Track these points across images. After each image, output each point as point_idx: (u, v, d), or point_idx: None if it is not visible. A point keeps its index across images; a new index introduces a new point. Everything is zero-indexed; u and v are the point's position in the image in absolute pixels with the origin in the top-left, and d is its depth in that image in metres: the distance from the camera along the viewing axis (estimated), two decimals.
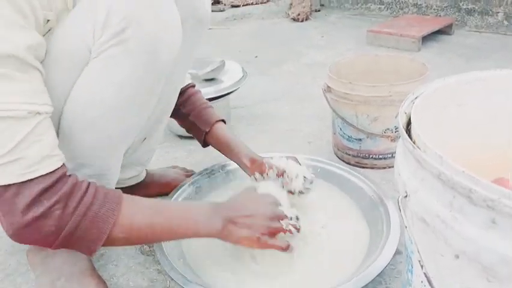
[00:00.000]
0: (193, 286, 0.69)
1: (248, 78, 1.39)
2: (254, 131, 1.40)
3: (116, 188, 0.67)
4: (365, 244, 0.82)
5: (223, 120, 0.98)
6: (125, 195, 0.63)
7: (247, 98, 1.64)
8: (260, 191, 0.79)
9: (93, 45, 0.60)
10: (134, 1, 0.60)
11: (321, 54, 2.19)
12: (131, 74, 0.63)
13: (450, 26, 2.31)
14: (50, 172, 0.56)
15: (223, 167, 1.05)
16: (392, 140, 1.08)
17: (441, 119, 0.58)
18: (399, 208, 0.48)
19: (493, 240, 0.37)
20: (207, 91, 1.24)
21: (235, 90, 1.33)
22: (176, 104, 0.93)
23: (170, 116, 0.95)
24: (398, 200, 0.48)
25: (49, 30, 0.60)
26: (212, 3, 2.83)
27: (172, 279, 0.71)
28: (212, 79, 1.36)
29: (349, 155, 1.15)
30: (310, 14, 2.95)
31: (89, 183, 0.60)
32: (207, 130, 0.94)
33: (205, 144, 0.98)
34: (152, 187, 1.03)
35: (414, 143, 0.46)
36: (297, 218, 0.74)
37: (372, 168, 1.13)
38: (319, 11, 3.14)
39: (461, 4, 2.47)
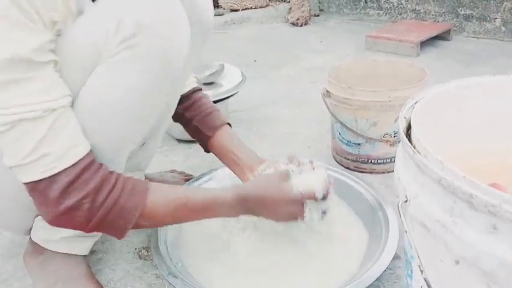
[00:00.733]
0: None
1: (247, 82, 1.38)
2: (253, 134, 1.40)
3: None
4: (364, 249, 0.82)
5: (228, 123, 0.94)
6: (152, 186, 0.67)
7: (246, 101, 1.64)
8: (296, 186, 0.72)
9: (103, 49, 0.61)
10: (146, 7, 0.61)
11: (320, 58, 2.19)
12: (140, 79, 0.63)
13: (448, 32, 2.33)
14: (75, 164, 0.59)
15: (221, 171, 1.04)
16: (391, 145, 1.08)
17: (441, 123, 0.58)
18: (399, 213, 0.48)
19: (493, 245, 0.37)
20: None
21: (234, 94, 1.33)
22: (180, 109, 0.92)
23: (175, 121, 0.95)
24: (398, 204, 0.48)
25: (58, 33, 0.60)
26: None
27: (170, 283, 0.71)
28: (211, 83, 1.36)
29: (348, 159, 1.15)
30: (310, 18, 2.96)
31: (118, 175, 0.64)
32: (210, 135, 0.92)
33: (208, 150, 0.95)
34: None
35: (414, 147, 0.46)
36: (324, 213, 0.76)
37: (371, 172, 1.13)
38: (318, 15, 3.15)
39: (459, 10, 2.48)
